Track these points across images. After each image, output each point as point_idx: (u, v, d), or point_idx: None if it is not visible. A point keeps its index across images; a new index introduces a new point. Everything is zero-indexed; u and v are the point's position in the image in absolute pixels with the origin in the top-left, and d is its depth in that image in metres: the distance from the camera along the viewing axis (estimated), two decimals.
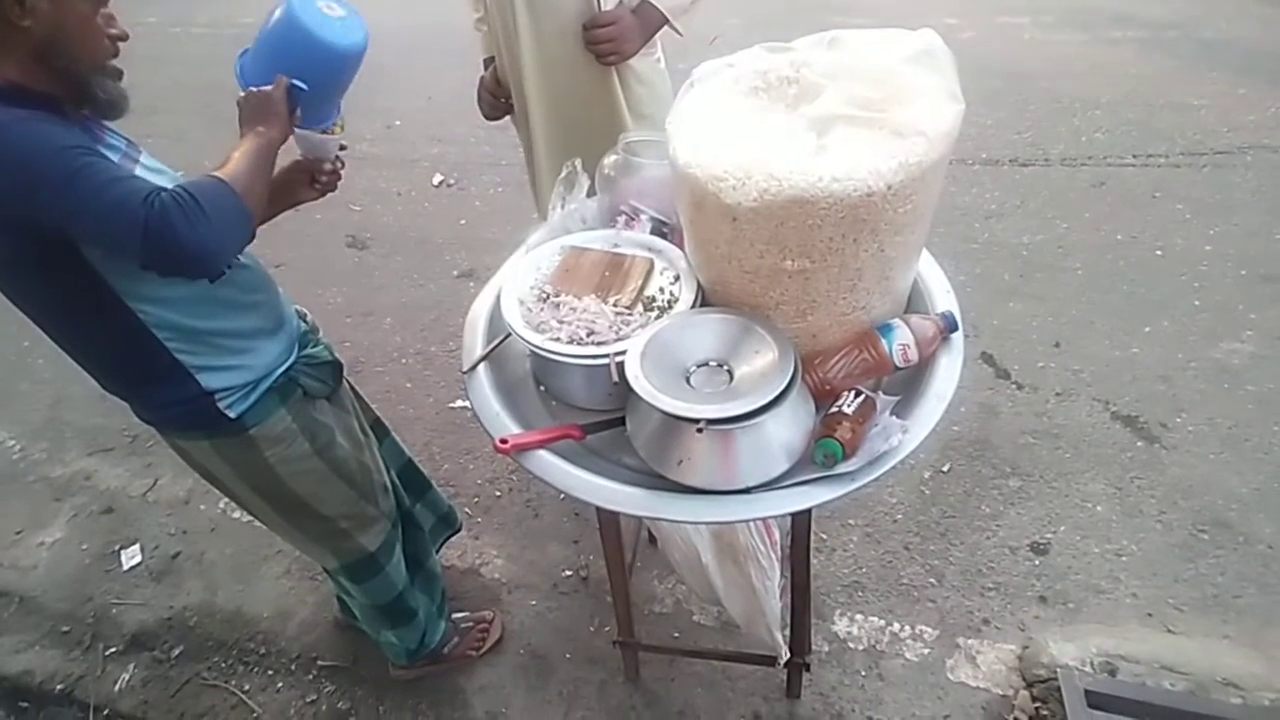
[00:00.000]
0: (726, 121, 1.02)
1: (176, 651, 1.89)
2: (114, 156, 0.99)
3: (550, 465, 1.02)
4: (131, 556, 2.12)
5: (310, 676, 1.80)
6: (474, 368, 1.15)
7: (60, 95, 0.97)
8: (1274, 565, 1.76)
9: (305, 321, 1.36)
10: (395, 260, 3.13)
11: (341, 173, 1.31)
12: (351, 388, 1.46)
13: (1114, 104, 3.66)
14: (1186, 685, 1.54)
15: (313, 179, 1.28)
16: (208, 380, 1.12)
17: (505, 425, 1.07)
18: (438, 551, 1.73)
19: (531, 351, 1.11)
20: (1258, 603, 1.70)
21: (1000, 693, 1.60)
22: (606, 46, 1.50)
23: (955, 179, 3.08)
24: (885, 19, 1.14)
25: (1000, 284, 2.65)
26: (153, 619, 1.97)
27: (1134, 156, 3.28)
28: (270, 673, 1.82)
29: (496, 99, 1.73)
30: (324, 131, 1.23)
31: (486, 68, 1.75)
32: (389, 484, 1.47)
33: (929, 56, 1.03)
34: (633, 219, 1.26)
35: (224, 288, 1.09)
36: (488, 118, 1.80)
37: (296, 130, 1.19)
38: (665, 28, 1.57)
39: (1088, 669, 1.58)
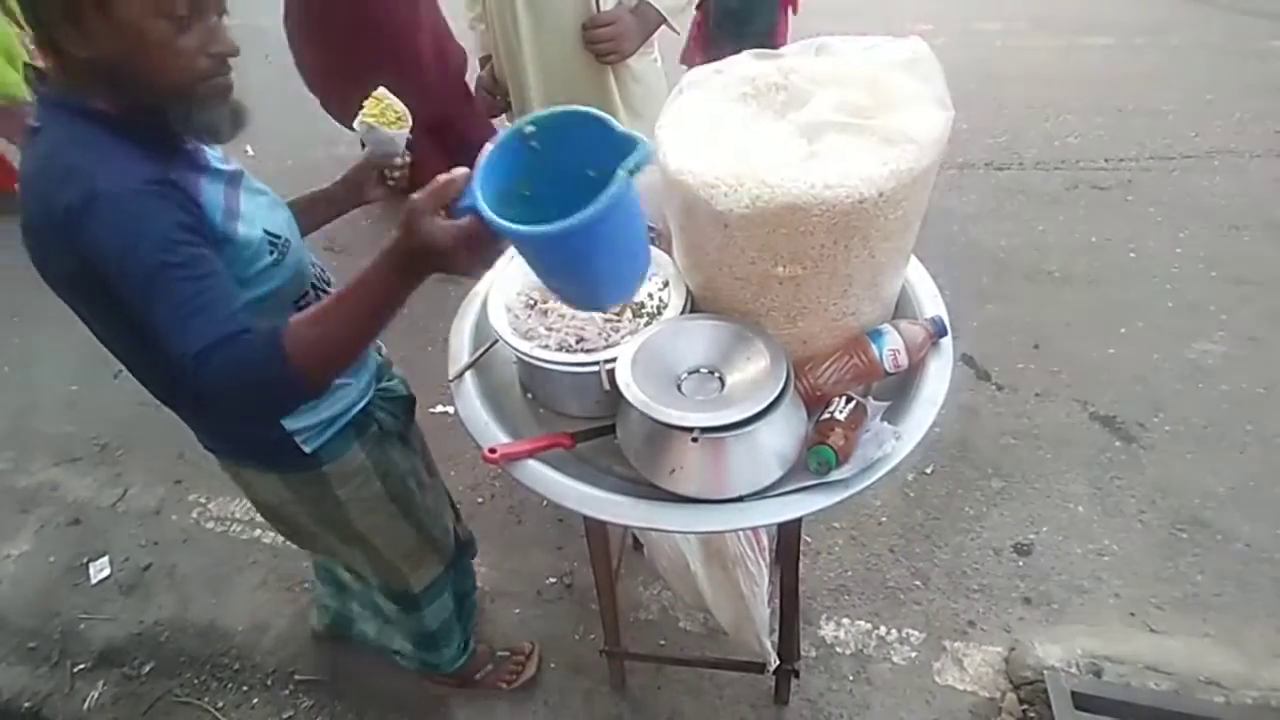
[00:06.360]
0: (716, 128, 1.01)
1: (147, 668, 1.83)
2: (215, 190, 0.91)
3: (539, 474, 1.00)
4: (100, 569, 2.06)
5: (287, 692, 1.76)
6: (460, 376, 1.13)
7: (154, 124, 0.87)
8: (1251, 563, 1.79)
9: (380, 354, 1.30)
10: None
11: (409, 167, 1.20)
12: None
13: (1085, 109, 3.72)
14: (1170, 685, 1.56)
15: (382, 176, 1.19)
16: (290, 421, 1.06)
17: (494, 434, 1.05)
18: None
19: (519, 359, 1.08)
20: (1236, 601, 1.73)
21: (987, 695, 1.61)
22: (606, 46, 1.52)
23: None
24: (859, 25, 1.14)
25: (978, 286, 2.68)
26: (122, 634, 1.90)
27: (1105, 160, 3.34)
28: (245, 689, 1.77)
29: (494, 97, 1.75)
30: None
31: (483, 66, 1.76)
32: (450, 526, 1.42)
33: (917, 64, 1.03)
34: None
35: None
36: (485, 115, 1.81)
37: (359, 124, 1.12)
38: (662, 27, 1.58)
39: (1073, 670, 1.59)
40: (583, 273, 0.82)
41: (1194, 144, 3.39)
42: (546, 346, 1.05)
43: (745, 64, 1.09)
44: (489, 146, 0.80)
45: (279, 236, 0.99)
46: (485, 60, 1.76)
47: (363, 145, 1.17)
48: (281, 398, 0.86)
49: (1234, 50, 4.18)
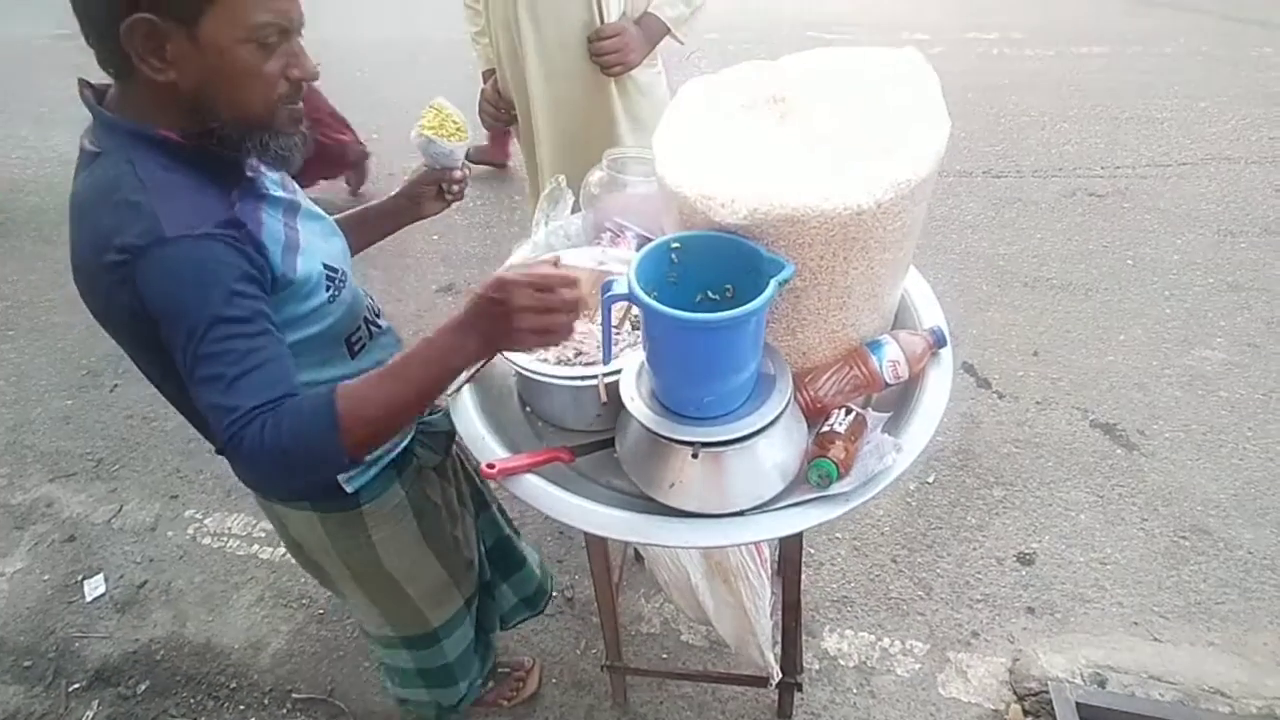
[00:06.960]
0: (714, 139, 1.01)
1: (143, 687, 1.81)
2: (274, 222, 0.88)
3: (538, 490, 0.99)
4: (95, 587, 2.04)
5: (284, 711, 1.74)
6: (457, 390, 1.12)
7: (220, 153, 0.84)
8: (1254, 571, 1.78)
9: None
10: (373, 274, 3.07)
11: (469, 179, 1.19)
12: (459, 455, 1.34)
13: (1081, 117, 3.74)
14: (1175, 694, 1.55)
15: (440, 190, 1.17)
16: None
17: (491, 449, 1.04)
18: (509, 627, 1.62)
19: (517, 373, 1.08)
20: (1239, 609, 1.72)
21: (992, 707, 1.59)
22: (612, 58, 1.53)
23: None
24: (860, 35, 1.15)
25: (978, 294, 2.68)
26: (117, 653, 1.88)
27: (1102, 168, 3.36)
28: (242, 708, 1.75)
29: (498, 110, 1.75)
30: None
31: (485, 80, 1.77)
32: (475, 559, 1.36)
33: (913, 74, 1.04)
34: (618, 236, 1.24)
35: (366, 357, 1.02)
36: (489, 129, 1.81)
37: (417, 136, 1.09)
38: (666, 38, 1.59)
39: (1078, 680, 1.58)
40: (707, 366, 0.87)
41: (1189, 151, 3.41)
42: (545, 360, 1.04)
43: (743, 75, 1.09)
44: (639, 251, 0.90)
45: (336, 270, 0.94)
46: (488, 74, 1.76)
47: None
48: (320, 467, 0.83)
49: (1226, 58, 4.21)
